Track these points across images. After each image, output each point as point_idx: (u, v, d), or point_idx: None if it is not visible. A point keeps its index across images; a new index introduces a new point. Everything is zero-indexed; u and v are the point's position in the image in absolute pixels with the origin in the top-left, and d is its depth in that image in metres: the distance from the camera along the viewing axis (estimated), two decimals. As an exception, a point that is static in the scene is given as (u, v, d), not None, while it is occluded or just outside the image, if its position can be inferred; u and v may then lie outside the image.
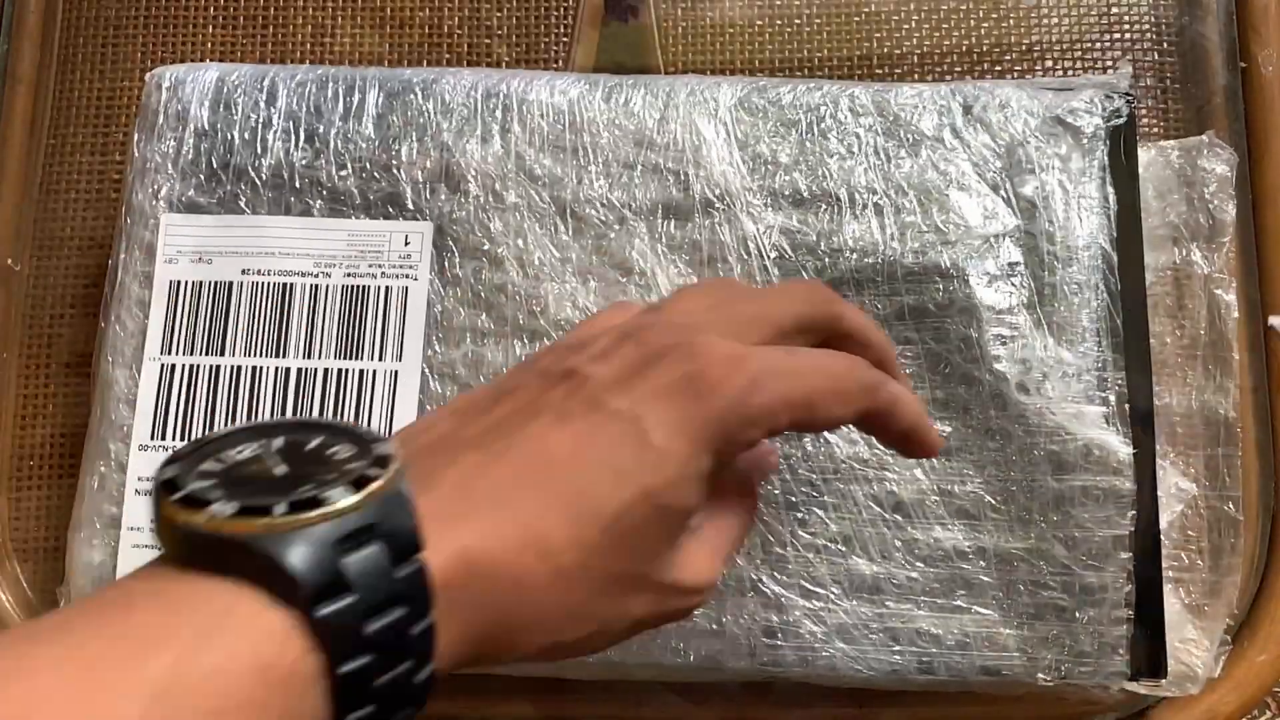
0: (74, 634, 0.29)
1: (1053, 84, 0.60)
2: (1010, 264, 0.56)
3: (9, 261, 0.65)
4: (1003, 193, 0.57)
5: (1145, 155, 0.61)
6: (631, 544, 0.37)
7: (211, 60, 0.68)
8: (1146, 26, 0.67)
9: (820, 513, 0.54)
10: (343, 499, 0.31)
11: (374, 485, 0.32)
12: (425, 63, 0.68)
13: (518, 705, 0.59)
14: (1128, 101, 0.59)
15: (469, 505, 0.35)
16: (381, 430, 0.56)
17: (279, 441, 0.34)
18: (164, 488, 0.31)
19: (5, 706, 0.26)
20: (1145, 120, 0.65)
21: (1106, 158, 0.58)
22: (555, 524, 0.35)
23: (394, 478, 0.33)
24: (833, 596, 0.53)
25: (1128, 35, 0.67)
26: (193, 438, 0.54)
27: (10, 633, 0.29)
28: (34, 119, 0.68)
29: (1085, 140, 0.58)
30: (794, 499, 0.54)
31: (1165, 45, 0.67)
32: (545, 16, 0.69)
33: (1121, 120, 0.58)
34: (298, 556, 0.30)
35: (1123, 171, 0.58)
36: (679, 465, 0.37)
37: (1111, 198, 0.58)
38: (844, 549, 0.54)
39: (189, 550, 0.31)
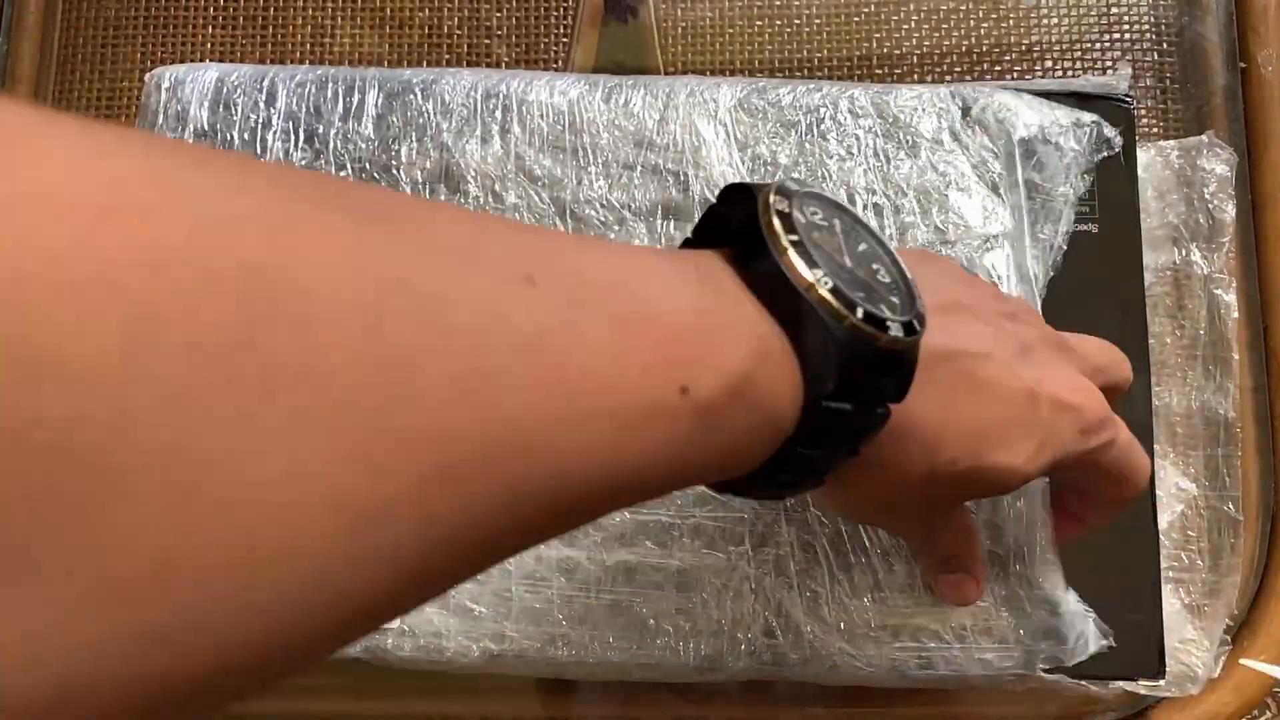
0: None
1: (1053, 85, 0.60)
2: (1009, 264, 0.56)
3: (9, 261, 0.65)
4: (1002, 193, 0.57)
5: (1144, 155, 0.61)
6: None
7: (211, 53, 0.69)
8: (1146, 26, 0.67)
9: (818, 511, 0.54)
10: (897, 334, 0.34)
11: (911, 340, 0.35)
12: (425, 63, 0.68)
13: (519, 705, 0.59)
14: (1126, 103, 0.59)
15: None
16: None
17: (841, 223, 0.36)
18: (834, 294, 0.33)
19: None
20: (1145, 120, 0.65)
21: (1103, 161, 0.58)
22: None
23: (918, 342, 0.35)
24: (832, 594, 0.53)
25: (1128, 35, 0.67)
26: None
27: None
28: (34, 119, 0.68)
29: (1082, 146, 0.58)
30: (791, 500, 0.54)
31: (1165, 45, 0.67)
32: (545, 16, 0.69)
33: (1119, 129, 0.58)
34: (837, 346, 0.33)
35: (1122, 173, 0.58)
36: (1034, 470, 0.41)
37: (1109, 199, 0.58)
38: (843, 546, 0.54)
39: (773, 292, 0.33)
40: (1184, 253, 0.61)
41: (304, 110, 0.60)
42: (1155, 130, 0.66)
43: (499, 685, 0.58)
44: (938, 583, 0.50)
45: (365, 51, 0.69)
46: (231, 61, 0.68)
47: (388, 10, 0.69)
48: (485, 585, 0.54)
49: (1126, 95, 0.59)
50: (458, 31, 0.69)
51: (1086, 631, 0.53)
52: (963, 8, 0.68)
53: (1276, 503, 0.61)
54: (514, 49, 0.68)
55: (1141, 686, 0.55)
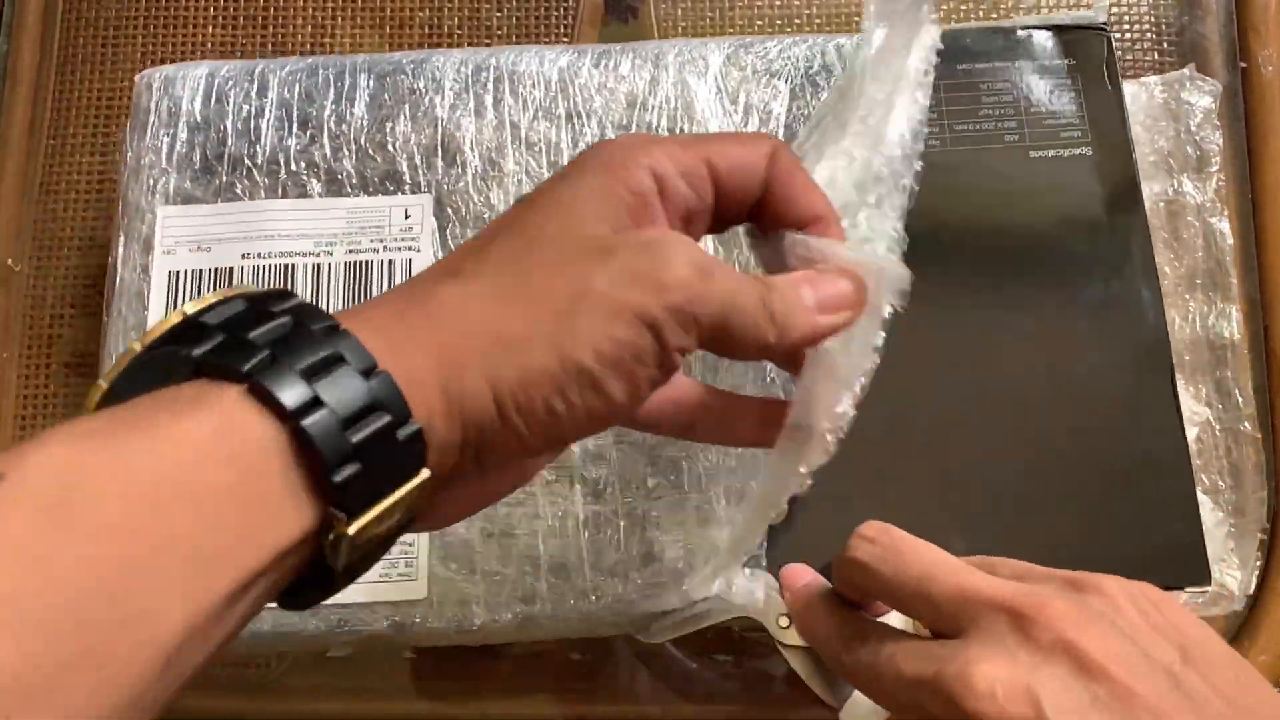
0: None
1: (1032, 21, 0.61)
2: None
3: (9, 262, 0.65)
4: (991, 123, 0.58)
5: (1129, 90, 0.62)
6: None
7: (211, 53, 0.70)
8: (1146, 26, 0.67)
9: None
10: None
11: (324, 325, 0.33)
12: (425, 63, 0.69)
13: (517, 704, 0.59)
14: (1104, 30, 0.60)
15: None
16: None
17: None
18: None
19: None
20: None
21: (1089, 88, 0.60)
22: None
23: (339, 324, 0.33)
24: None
25: (1128, 35, 0.67)
26: None
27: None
28: (34, 119, 0.68)
29: (1066, 76, 0.59)
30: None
31: (1165, 45, 0.67)
32: (545, 17, 0.69)
33: (1102, 57, 0.60)
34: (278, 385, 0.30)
35: (1108, 97, 0.59)
36: None
37: (1100, 123, 0.59)
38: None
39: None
40: (1175, 184, 0.62)
41: (296, 97, 0.60)
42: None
43: (497, 685, 0.58)
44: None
45: (365, 51, 0.69)
46: (230, 58, 0.68)
47: (388, 10, 0.69)
48: (511, 547, 0.54)
49: (1104, 25, 0.60)
50: (458, 31, 0.69)
51: (1133, 557, 0.54)
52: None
53: (1276, 503, 0.61)
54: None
55: (1184, 597, 0.55)
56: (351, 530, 0.31)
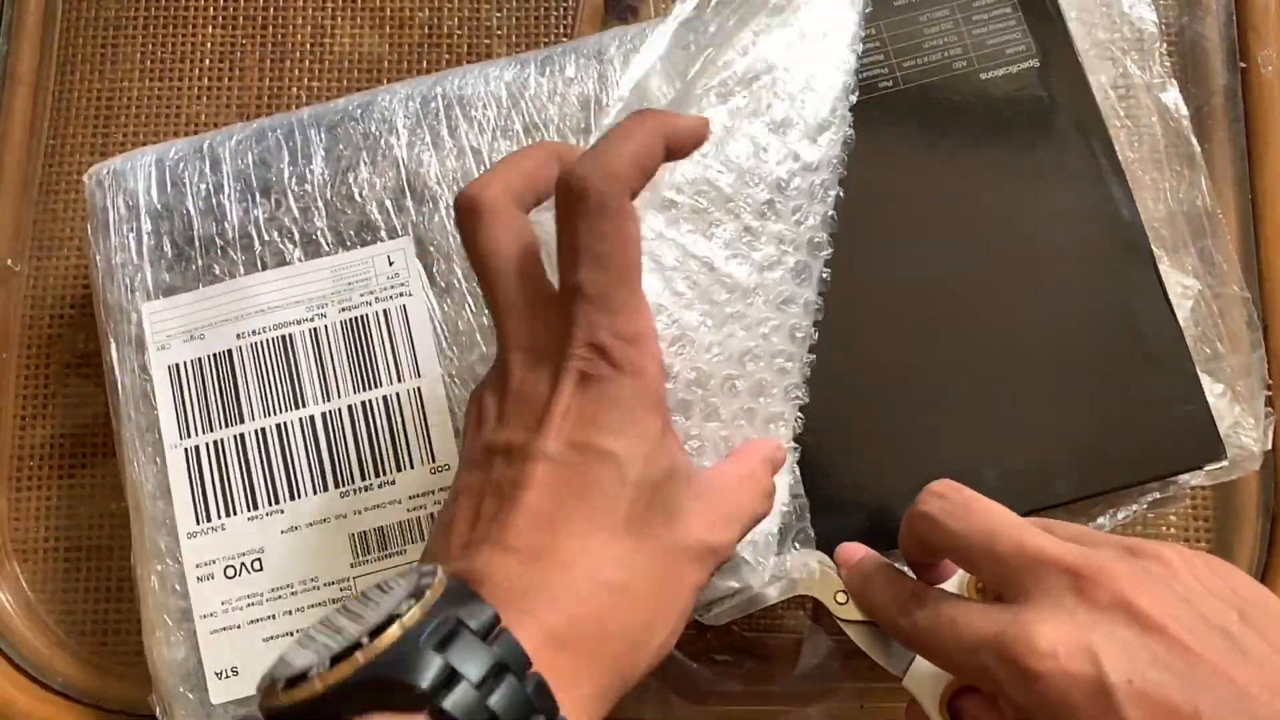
0: None
1: None
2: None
3: (9, 262, 0.65)
4: (938, 54, 0.59)
5: None
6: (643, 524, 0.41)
7: (211, 53, 0.69)
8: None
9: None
10: (411, 608, 0.34)
11: (432, 588, 0.35)
12: (425, 62, 0.68)
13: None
14: None
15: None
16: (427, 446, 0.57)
17: (337, 613, 0.37)
18: (263, 692, 0.34)
19: None
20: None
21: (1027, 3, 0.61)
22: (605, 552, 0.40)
23: (444, 578, 0.36)
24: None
25: (1128, 35, 0.67)
26: (235, 508, 0.56)
27: None
28: (33, 120, 0.68)
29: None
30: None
31: (1165, 45, 0.67)
32: (545, 17, 0.69)
33: None
34: (403, 669, 0.33)
35: (1047, 10, 0.61)
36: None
37: (1040, 32, 0.60)
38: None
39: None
40: (1120, 69, 0.62)
41: (251, 165, 0.59)
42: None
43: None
44: None
45: (365, 51, 0.68)
46: (231, 61, 0.68)
47: (388, 10, 0.69)
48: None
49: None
50: (458, 31, 0.69)
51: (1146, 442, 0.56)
52: None
53: (1276, 502, 0.61)
54: (514, 49, 0.68)
55: (1205, 475, 0.56)
56: None
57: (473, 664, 0.33)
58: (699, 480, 0.44)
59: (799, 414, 0.52)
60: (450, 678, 0.33)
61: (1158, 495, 0.57)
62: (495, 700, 0.33)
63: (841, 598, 0.50)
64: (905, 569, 0.49)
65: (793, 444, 0.52)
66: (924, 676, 0.47)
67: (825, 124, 0.53)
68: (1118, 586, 0.37)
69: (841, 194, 0.54)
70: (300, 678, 0.33)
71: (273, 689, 0.34)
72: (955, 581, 0.48)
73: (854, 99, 0.55)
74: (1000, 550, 0.40)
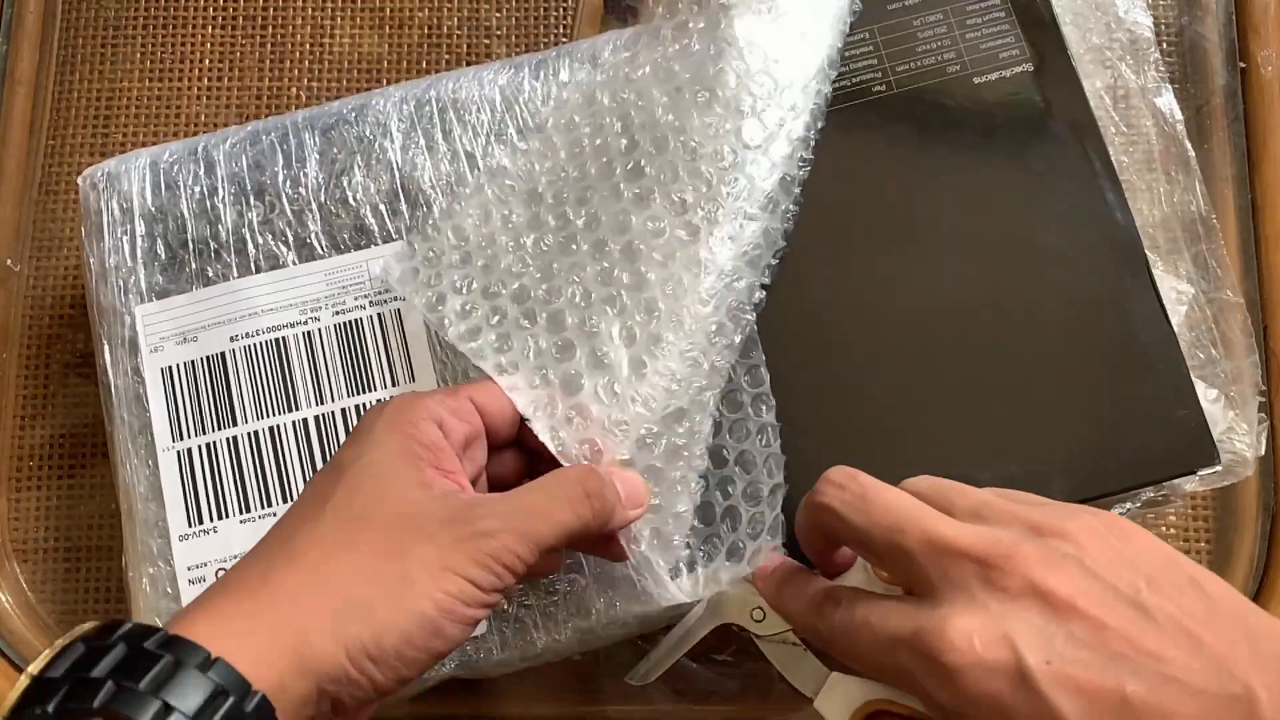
0: None
1: None
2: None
3: (8, 262, 0.65)
4: (932, 58, 0.59)
5: None
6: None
7: (211, 53, 0.69)
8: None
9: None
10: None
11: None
12: (425, 63, 0.69)
13: (517, 705, 0.59)
14: None
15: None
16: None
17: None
18: None
19: None
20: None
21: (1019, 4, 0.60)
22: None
23: (169, 634, 0.37)
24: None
25: (1128, 35, 0.67)
26: (227, 511, 0.56)
27: None
28: (33, 119, 0.68)
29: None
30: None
31: (1165, 45, 0.67)
32: (545, 17, 0.69)
33: None
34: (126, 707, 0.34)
35: (1038, 9, 0.60)
36: None
37: (1035, 36, 0.60)
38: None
39: None
40: (1115, 73, 0.62)
41: (245, 168, 0.59)
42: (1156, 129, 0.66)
43: (500, 686, 0.59)
44: None
45: (365, 51, 0.69)
46: (230, 61, 0.69)
47: (387, 10, 0.69)
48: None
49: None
50: (457, 31, 0.69)
51: (1139, 448, 0.55)
52: None
53: (1276, 502, 0.61)
54: (514, 49, 0.68)
55: (1199, 480, 0.56)
56: None
57: (189, 696, 0.34)
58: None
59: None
60: (165, 712, 0.34)
61: (1151, 494, 0.57)
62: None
63: (758, 614, 0.49)
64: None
65: (694, 470, 0.53)
66: (836, 698, 0.46)
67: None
68: (1026, 570, 0.37)
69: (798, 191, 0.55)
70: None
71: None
72: (858, 567, 0.48)
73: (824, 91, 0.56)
74: (906, 545, 0.40)
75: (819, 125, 0.57)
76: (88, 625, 0.37)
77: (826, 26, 0.58)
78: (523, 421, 0.50)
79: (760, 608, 0.49)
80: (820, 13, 0.58)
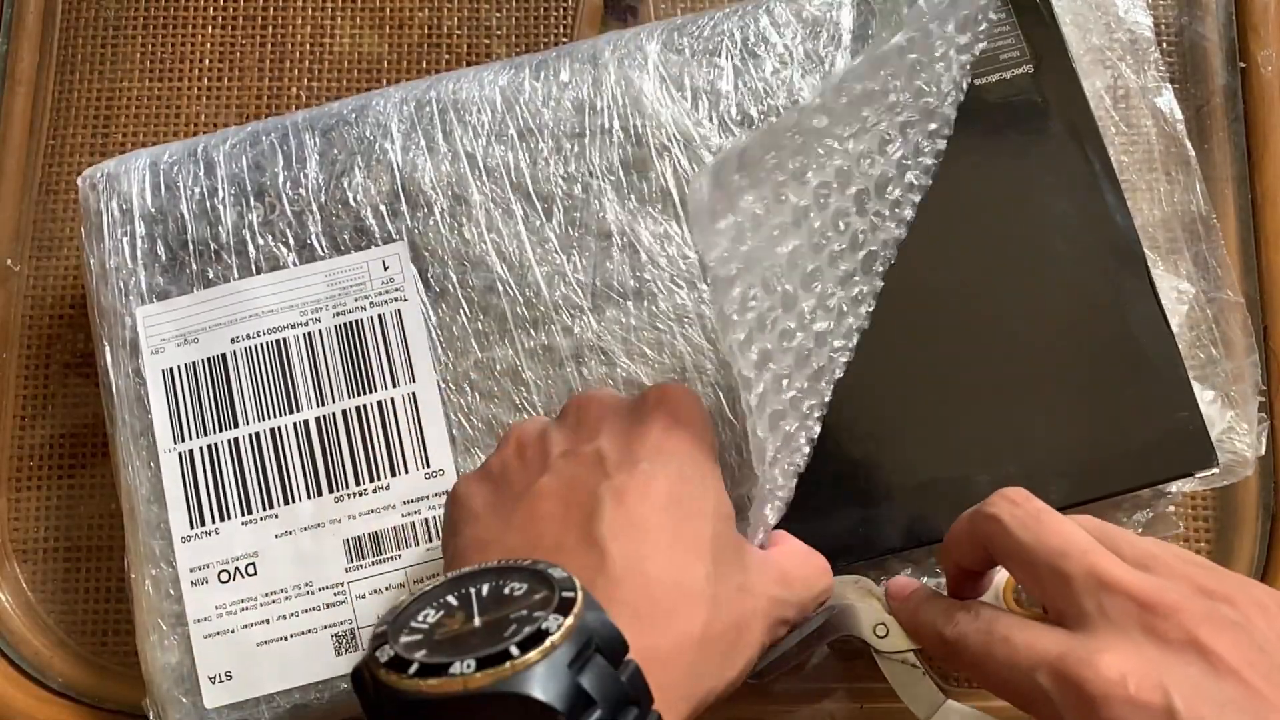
0: None
1: None
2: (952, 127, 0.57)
3: (8, 262, 0.65)
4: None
5: None
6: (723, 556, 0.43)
7: (211, 53, 0.69)
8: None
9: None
10: (560, 625, 0.33)
11: (577, 606, 0.34)
12: (425, 63, 0.68)
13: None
14: None
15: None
16: (420, 452, 0.57)
17: (452, 598, 0.36)
18: (390, 666, 0.33)
19: None
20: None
21: (1019, 6, 0.60)
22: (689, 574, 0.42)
23: (583, 595, 0.35)
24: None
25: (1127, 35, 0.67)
26: (229, 512, 0.56)
27: None
28: (33, 119, 0.68)
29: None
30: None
31: (1165, 45, 0.67)
32: (545, 17, 0.69)
33: None
34: (546, 689, 0.32)
35: (1039, 11, 0.60)
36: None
37: (1035, 38, 0.60)
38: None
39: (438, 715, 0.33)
40: (1115, 73, 0.62)
41: (245, 169, 0.60)
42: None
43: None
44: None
45: (365, 51, 0.69)
46: (231, 62, 0.69)
47: (387, 10, 0.69)
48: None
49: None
50: (457, 31, 0.69)
51: (1138, 450, 0.55)
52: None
53: (1276, 503, 0.61)
54: (513, 49, 0.68)
55: (1197, 482, 0.56)
56: None
57: (605, 695, 0.33)
58: (752, 546, 0.47)
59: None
60: (586, 705, 0.33)
61: (1149, 494, 0.57)
62: None
63: (881, 630, 0.49)
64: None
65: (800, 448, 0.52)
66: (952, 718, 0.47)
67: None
68: (1191, 625, 0.36)
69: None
70: (439, 669, 0.33)
71: (394, 667, 0.33)
72: (990, 595, 0.48)
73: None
74: (1068, 570, 0.39)
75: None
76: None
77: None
78: None
79: (884, 624, 0.49)
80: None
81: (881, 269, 0.53)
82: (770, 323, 0.49)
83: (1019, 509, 0.43)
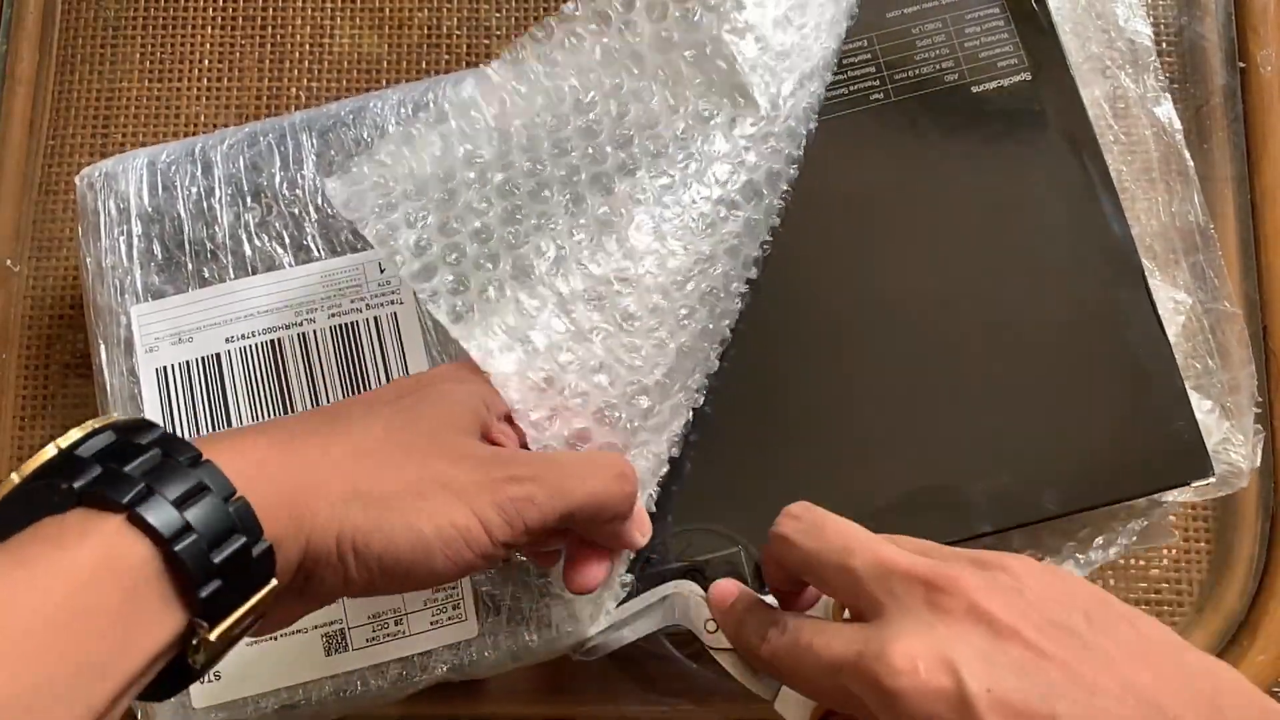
0: None
1: None
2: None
3: (8, 262, 0.66)
4: (930, 66, 0.59)
5: (1053, 3, 0.62)
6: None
7: (210, 53, 0.69)
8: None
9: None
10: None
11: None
12: (424, 63, 0.69)
13: (515, 705, 0.60)
14: None
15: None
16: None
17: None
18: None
19: None
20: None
21: (1017, 13, 0.60)
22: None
23: (202, 455, 0.37)
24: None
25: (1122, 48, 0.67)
26: None
27: None
28: (33, 120, 0.68)
29: (993, 4, 0.60)
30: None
31: (1164, 45, 0.67)
32: (543, 18, 0.69)
33: None
34: (106, 485, 0.35)
35: (1037, 18, 0.60)
36: None
37: (1033, 45, 0.60)
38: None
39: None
40: (1114, 82, 0.62)
41: (242, 169, 0.60)
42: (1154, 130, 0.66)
43: (494, 685, 0.59)
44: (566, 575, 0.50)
45: (364, 52, 0.69)
46: (230, 62, 0.69)
47: (387, 10, 0.69)
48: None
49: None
50: (457, 32, 0.69)
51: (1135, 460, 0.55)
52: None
53: (1276, 503, 0.61)
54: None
55: (1193, 491, 0.56)
56: (213, 636, 0.35)
57: (171, 486, 0.35)
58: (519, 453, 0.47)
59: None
60: (148, 494, 0.35)
61: (1145, 503, 0.57)
62: (192, 514, 0.35)
63: (711, 626, 0.49)
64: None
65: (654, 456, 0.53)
66: (792, 699, 0.47)
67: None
68: (970, 595, 0.38)
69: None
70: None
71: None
72: (820, 609, 0.48)
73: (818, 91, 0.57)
74: (854, 565, 0.41)
75: (812, 125, 0.57)
76: (118, 417, 0.38)
77: (825, 27, 0.58)
78: None
79: (713, 620, 0.50)
80: (820, 11, 0.58)
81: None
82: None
83: (801, 521, 0.44)
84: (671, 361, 0.52)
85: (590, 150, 0.54)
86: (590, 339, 0.50)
